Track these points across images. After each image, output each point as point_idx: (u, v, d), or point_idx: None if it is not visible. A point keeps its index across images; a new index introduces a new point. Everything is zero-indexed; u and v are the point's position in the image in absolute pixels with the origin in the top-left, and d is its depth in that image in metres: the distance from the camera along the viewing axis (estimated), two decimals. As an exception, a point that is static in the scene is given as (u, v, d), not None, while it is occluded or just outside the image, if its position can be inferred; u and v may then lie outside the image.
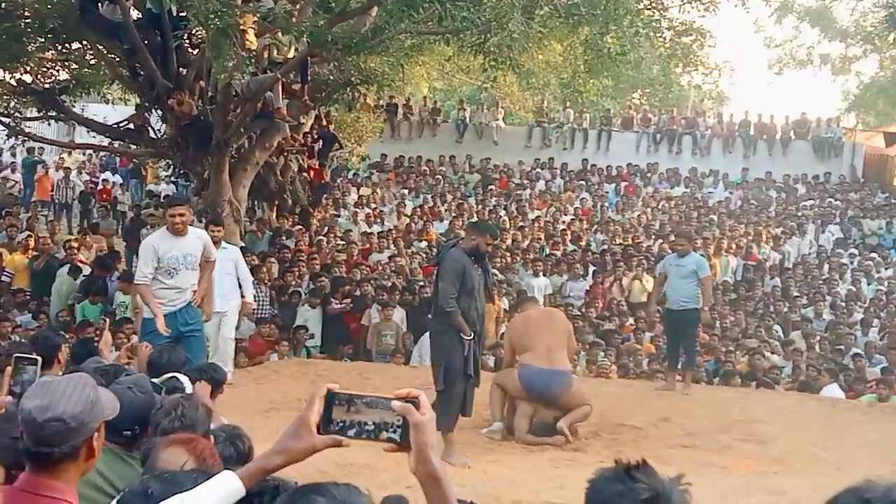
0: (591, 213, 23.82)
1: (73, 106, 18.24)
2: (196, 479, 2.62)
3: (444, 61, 22.13)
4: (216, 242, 10.52)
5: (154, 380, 5.91)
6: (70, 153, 25.26)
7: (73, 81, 17.63)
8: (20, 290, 15.23)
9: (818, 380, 13.60)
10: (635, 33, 13.51)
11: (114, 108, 20.34)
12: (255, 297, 14.91)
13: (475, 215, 22.34)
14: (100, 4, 14.71)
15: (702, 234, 21.07)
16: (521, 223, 21.96)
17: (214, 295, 10.28)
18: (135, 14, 15.11)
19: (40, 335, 7.15)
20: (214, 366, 6.35)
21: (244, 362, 13.01)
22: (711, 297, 13.50)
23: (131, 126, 17.68)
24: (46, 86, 17.34)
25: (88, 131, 19.12)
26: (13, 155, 24.33)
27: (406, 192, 24.60)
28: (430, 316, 9.33)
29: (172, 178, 22.44)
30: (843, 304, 17.89)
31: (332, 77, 17.82)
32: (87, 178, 24.44)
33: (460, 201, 23.91)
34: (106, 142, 20.18)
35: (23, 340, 9.90)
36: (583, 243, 20.55)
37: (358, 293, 15.51)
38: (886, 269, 20.93)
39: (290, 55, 15.00)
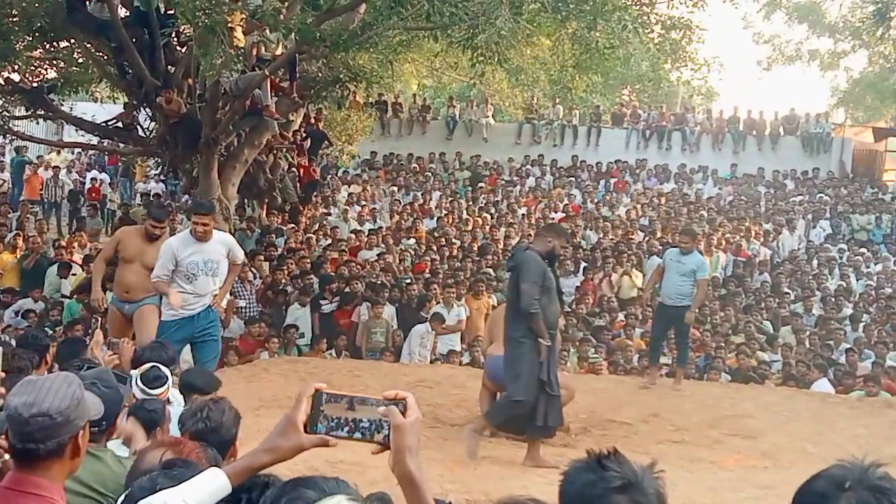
0: (581, 209, 23.83)
1: (62, 104, 18.20)
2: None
3: (433, 58, 22.11)
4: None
5: (133, 371, 5.91)
6: (59, 152, 25.18)
7: (62, 80, 17.59)
8: (9, 290, 15.18)
9: (807, 375, 13.65)
10: (623, 28, 13.49)
11: (102, 107, 20.30)
12: (244, 295, 14.96)
13: (465, 212, 22.37)
14: (87, 3, 14.71)
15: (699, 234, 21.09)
16: (511, 220, 21.96)
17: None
18: (122, 12, 15.09)
19: (29, 335, 7.14)
20: (152, 403, 5.25)
21: (234, 361, 12.99)
22: (703, 300, 13.47)
23: (120, 124, 17.67)
24: (35, 84, 17.31)
25: (77, 130, 19.09)
26: (2, 154, 24.25)
27: (396, 189, 24.58)
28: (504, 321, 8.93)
29: (161, 177, 22.41)
30: (833, 300, 17.93)
31: (320, 74, 17.78)
32: (76, 176, 24.36)
33: (450, 199, 23.90)
34: (95, 140, 20.14)
35: (10, 341, 9.87)
36: (574, 240, 20.56)
37: (347, 290, 15.50)
38: (876, 264, 20.98)
39: (279, 52, 14.99)
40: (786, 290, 18.31)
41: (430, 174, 26.50)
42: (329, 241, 18.78)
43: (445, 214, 21.96)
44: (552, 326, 8.74)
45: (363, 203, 22.38)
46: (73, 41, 16.77)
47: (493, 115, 29.99)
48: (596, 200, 24.97)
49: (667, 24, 17.42)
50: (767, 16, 42.18)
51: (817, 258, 21.05)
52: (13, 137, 18.70)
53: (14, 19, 15.01)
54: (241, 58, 14.01)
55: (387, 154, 27.95)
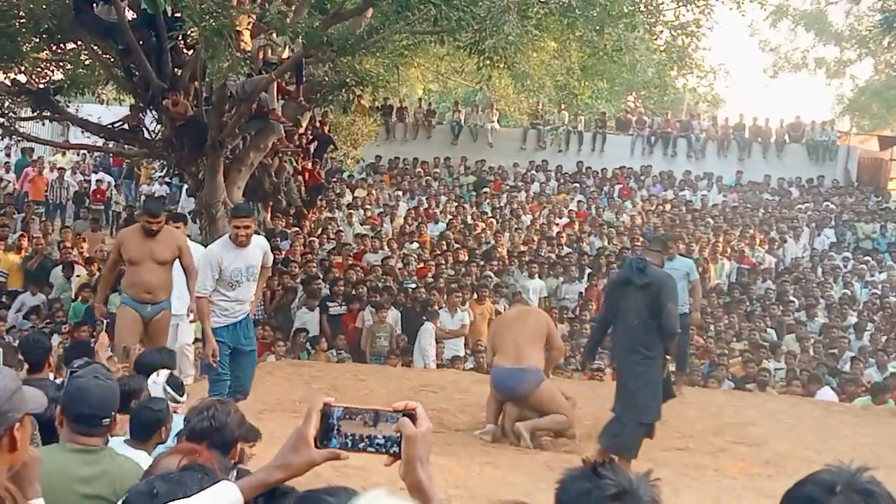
0: (586, 215, 23.82)
1: (68, 106, 18.20)
2: (201, 480, 2.62)
3: (439, 62, 22.16)
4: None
5: (157, 377, 5.95)
6: (64, 153, 25.21)
7: (68, 81, 17.61)
8: (11, 292, 15.20)
9: (810, 383, 13.64)
10: (631, 32, 13.51)
11: (108, 109, 20.32)
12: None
13: (469, 217, 22.38)
14: (94, 5, 14.69)
15: (696, 238, 21.10)
16: (517, 225, 21.97)
17: (173, 297, 9.93)
18: (129, 14, 15.09)
19: (31, 338, 7.12)
20: (158, 403, 5.18)
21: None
22: (701, 300, 13.38)
23: (126, 126, 17.67)
24: (41, 86, 17.32)
25: (83, 131, 19.10)
26: (7, 155, 24.28)
27: (400, 193, 24.58)
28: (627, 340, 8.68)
29: (166, 179, 22.42)
30: (837, 308, 17.91)
31: (327, 78, 17.80)
32: (81, 178, 24.39)
33: (455, 203, 23.90)
34: (100, 142, 20.16)
35: (12, 343, 9.86)
36: (581, 246, 20.58)
37: (354, 294, 15.51)
38: (880, 272, 20.95)
39: (286, 56, 14.99)
40: (790, 298, 18.28)
41: (434, 179, 26.49)
42: (333, 244, 18.80)
43: (450, 219, 21.97)
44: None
45: (367, 207, 22.38)
46: (79, 43, 16.80)
47: (498, 121, 29.96)
48: (600, 206, 24.96)
49: (673, 28, 17.43)
50: (774, 24, 42.27)
51: (822, 266, 21.03)
52: (19, 139, 18.67)
53: (21, 21, 15.05)
54: (247, 61, 14.03)
55: (392, 158, 27.94)
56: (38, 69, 17.35)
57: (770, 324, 16.98)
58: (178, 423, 5.00)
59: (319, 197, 21.13)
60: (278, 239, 18.14)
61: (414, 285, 16.50)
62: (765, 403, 12.20)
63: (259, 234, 17.84)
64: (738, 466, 9.30)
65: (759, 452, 9.65)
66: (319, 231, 19.72)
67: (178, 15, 13.73)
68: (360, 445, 2.26)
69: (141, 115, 17.26)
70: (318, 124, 20.25)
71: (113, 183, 24.27)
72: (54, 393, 4.63)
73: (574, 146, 29.42)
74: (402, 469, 2.21)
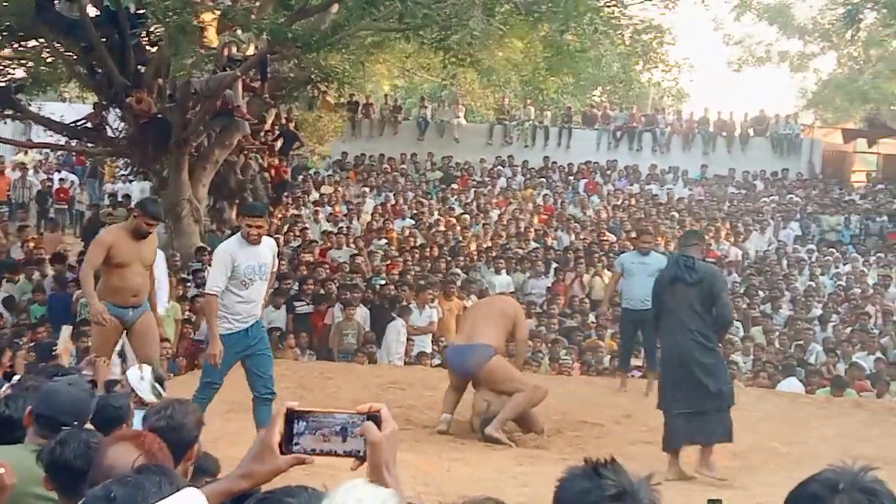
0: (552, 210, 23.87)
1: (30, 104, 18.06)
2: (160, 483, 2.57)
3: (405, 59, 22.12)
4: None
5: (137, 370, 5.93)
6: (26, 152, 24.98)
7: (30, 79, 17.47)
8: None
9: (776, 375, 13.73)
10: (595, 30, 13.54)
11: (71, 107, 20.18)
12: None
13: (436, 213, 22.38)
14: (56, 2, 14.58)
15: (661, 232, 21.19)
16: (484, 221, 21.98)
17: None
18: (92, 11, 14.98)
19: None
20: (119, 399, 5.18)
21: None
22: None
23: (89, 125, 17.54)
24: (2, 84, 17.16)
25: (45, 130, 18.94)
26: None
27: (367, 190, 24.52)
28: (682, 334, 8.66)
29: (130, 178, 22.29)
30: (802, 300, 18.05)
31: (292, 75, 17.76)
32: (44, 177, 24.17)
33: (422, 199, 23.88)
34: (63, 141, 20.00)
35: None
36: (547, 241, 20.63)
37: (322, 292, 15.46)
38: (845, 264, 21.13)
39: (250, 53, 14.93)
40: (756, 290, 18.37)
41: (401, 175, 26.46)
42: (299, 241, 18.73)
43: (413, 213, 21.96)
44: None
45: (333, 203, 22.32)
46: (41, 40, 16.65)
47: (464, 116, 29.97)
48: (567, 201, 25.02)
49: (638, 26, 17.49)
50: (738, 17, 42.49)
51: (787, 259, 21.18)
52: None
53: (-19, 18, 14.91)
54: (211, 58, 13.97)
55: (358, 155, 27.87)
56: (0, 67, 17.17)
57: (736, 316, 17.06)
58: (138, 419, 4.97)
59: (285, 194, 21.07)
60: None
61: (383, 282, 16.47)
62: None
63: (224, 231, 17.86)
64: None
65: (725, 445, 9.68)
66: (286, 229, 19.65)
67: (142, 12, 13.67)
68: (326, 449, 2.24)
69: (104, 113, 17.14)
70: (283, 121, 20.18)
71: (76, 182, 24.07)
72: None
73: (540, 141, 29.46)
74: (369, 473, 2.20)
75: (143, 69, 15.61)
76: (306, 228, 19.76)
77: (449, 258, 18.34)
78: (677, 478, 8.15)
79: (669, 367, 8.78)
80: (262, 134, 18.58)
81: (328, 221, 20.85)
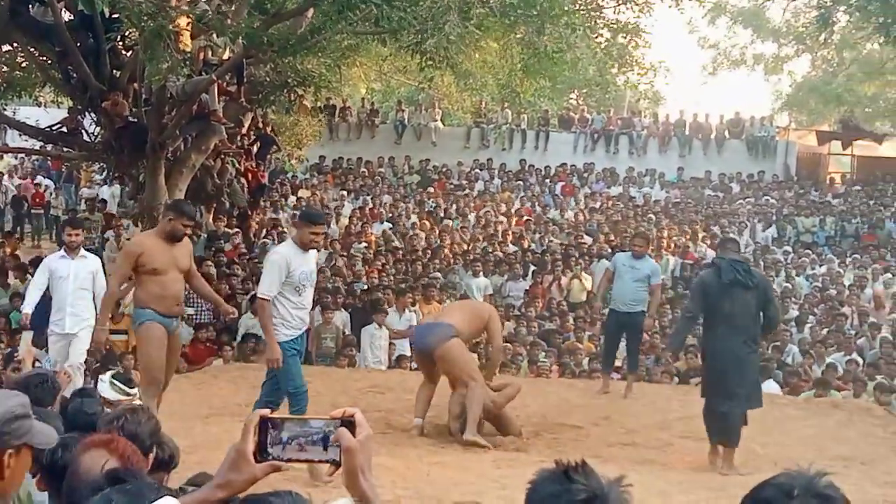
0: (530, 213, 23.92)
1: (5, 109, 17.96)
2: (158, 490, 2.57)
3: (382, 62, 22.14)
4: (74, 249, 9.85)
5: (103, 376, 5.89)
6: (1, 157, 24.83)
7: (4, 84, 17.37)
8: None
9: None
10: (571, 32, 13.56)
11: (46, 111, 20.09)
12: (193, 303, 14.78)
13: (412, 216, 22.38)
14: (30, 6, 14.49)
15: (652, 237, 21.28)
16: (462, 224, 21.99)
17: (66, 314, 9.59)
18: (66, 16, 14.90)
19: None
20: (91, 406, 5.15)
21: (184, 368, 12.86)
22: (660, 305, 13.47)
23: (64, 129, 17.45)
24: (-24, 89, 17.05)
25: (20, 135, 18.82)
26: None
27: (345, 193, 24.49)
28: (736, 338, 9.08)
29: (107, 182, 22.20)
30: (779, 301, 18.11)
31: (268, 79, 17.72)
32: (20, 182, 24.04)
33: (399, 202, 23.87)
34: (38, 145, 19.89)
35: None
36: (524, 244, 20.65)
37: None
38: (821, 266, 21.25)
39: (226, 57, 14.88)
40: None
41: (379, 178, 26.45)
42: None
43: (393, 218, 21.96)
44: None
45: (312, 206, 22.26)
46: (16, 45, 16.57)
47: (441, 119, 29.99)
48: (544, 204, 25.07)
49: (613, 27, 17.53)
50: (712, 21, 42.66)
51: (763, 260, 21.28)
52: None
53: (-45, 23, 14.80)
54: (187, 62, 13.89)
55: (335, 158, 27.85)
56: (-26, 72, 17.09)
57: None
58: None
59: (263, 198, 21.01)
60: (221, 241, 17.98)
61: (365, 286, 16.44)
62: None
63: (200, 235, 17.82)
64: (684, 461, 9.37)
65: (705, 447, 9.72)
66: (264, 233, 19.59)
67: (116, 16, 13.59)
68: (300, 457, 2.23)
69: (80, 117, 17.07)
70: (260, 125, 20.13)
71: (52, 187, 23.94)
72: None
73: (517, 144, 29.53)
74: (345, 480, 2.19)
75: (118, 73, 15.53)
76: (284, 232, 19.70)
77: (426, 261, 18.34)
78: (736, 472, 8.70)
79: (724, 369, 9.06)
80: (239, 138, 18.53)
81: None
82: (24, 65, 17.28)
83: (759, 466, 8.84)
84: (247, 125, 18.78)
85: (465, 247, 20.10)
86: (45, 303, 10.07)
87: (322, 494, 3.28)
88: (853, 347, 15.53)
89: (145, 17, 12.01)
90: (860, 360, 15.01)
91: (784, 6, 40.01)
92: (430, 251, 19.28)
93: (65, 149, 18.48)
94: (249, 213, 19.75)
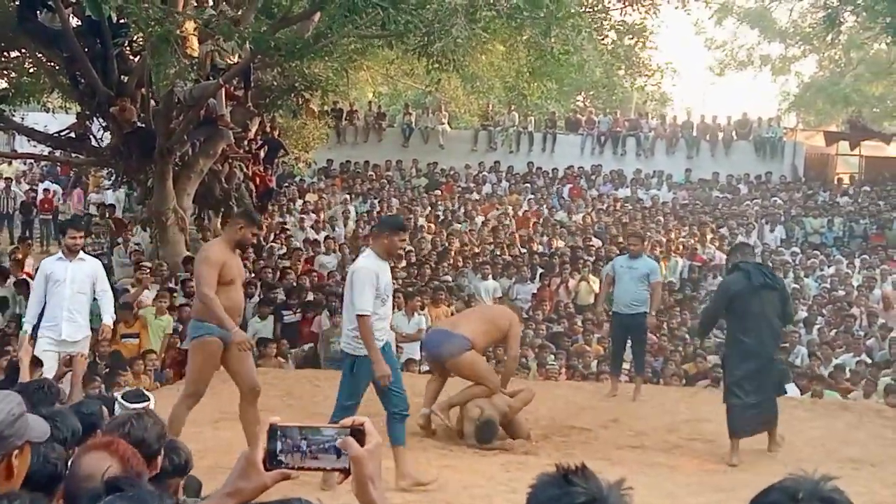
0: (537, 215, 23.91)
1: (13, 115, 17.99)
2: (161, 498, 2.58)
3: (388, 65, 22.14)
4: (73, 252, 9.39)
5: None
6: (10, 163, 24.90)
7: (13, 90, 17.41)
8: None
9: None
10: (578, 33, 13.56)
11: (54, 117, 20.10)
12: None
13: (421, 219, 22.38)
14: (38, 12, 14.53)
15: (647, 236, 21.25)
16: (470, 227, 21.99)
17: (62, 319, 9.24)
18: (74, 21, 14.94)
19: None
20: (90, 406, 5.02)
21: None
22: (660, 303, 13.50)
23: (73, 135, 17.50)
24: (-15, 95, 17.10)
25: (29, 140, 18.87)
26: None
27: (349, 196, 24.47)
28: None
29: (115, 187, 22.25)
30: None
31: (275, 83, 17.73)
32: (28, 187, 24.10)
33: (407, 206, 23.88)
34: (47, 151, 19.96)
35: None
36: (531, 246, 20.65)
37: (309, 301, 15.41)
38: (829, 266, 21.21)
39: (234, 61, 14.92)
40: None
41: (386, 182, 26.46)
42: (284, 249, 18.69)
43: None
44: None
45: (319, 210, 22.30)
46: (24, 51, 16.61)
47: (448, 122, 29.98)
48: (552, 206, 25.07)
49: (620, 30, 17.52)
50: (719, 22, 42.64)
51: (771, 261, 21.23)
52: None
53: (-37, 30, 14.87)
54: (194, 67, 13.92)
55: (343, 162, 27.88)
56: (-18, 78, 17.15)
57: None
58: None
59: (270, 202, 21.04)
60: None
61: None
62: (718, 400, 12.28)
63: (207, 239, 17.81)
64: (692, 463, 9.37)
65: (713, 449, 9.73)
66: (272, 237, 19.62)
67: (124, 21, 13.62)
68: (310, 465, 2.23)
69: (88, 122, 17.10)
70: (267, 129, 20.15)
71: (60, 192, 24.00)
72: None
73: (524, 147, 29.51)
74: (354, 488, 2.20)
75: (125, 79, 15.58)
76: (291, 236, 19.74)
77: (435, 264, 18.34)
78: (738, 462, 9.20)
79: (758, 366, 9.48)
80: (247, 142, 18.56)
81: (312, 229, 20.82)
82: (32, 70, 17.32)
83: (767, 468, 8.83)
84: (254, 129, 18.81)
85: (474, 249, 20.09)
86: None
87: (331, 501, 3.29)
88: (862, 348, 15.50)
89: (152, 23, 12.04)
90: (868, 361, 14.99)
91: (791, 7, 40.02)
92: (438, 253, 19.28)
93: (73, 154, 18.55)
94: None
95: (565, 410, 11.15)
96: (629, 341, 12.40)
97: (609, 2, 19.64)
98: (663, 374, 14.32)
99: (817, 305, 18.24)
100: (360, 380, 7.82)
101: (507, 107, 28.69)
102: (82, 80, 15.47)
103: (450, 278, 17.53)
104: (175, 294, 14.81)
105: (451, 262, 18.70)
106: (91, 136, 17.39)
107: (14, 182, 23.61)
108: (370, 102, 31.28)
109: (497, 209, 24.08)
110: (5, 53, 16.76)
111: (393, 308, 14.95)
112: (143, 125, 15.55)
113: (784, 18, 41.62)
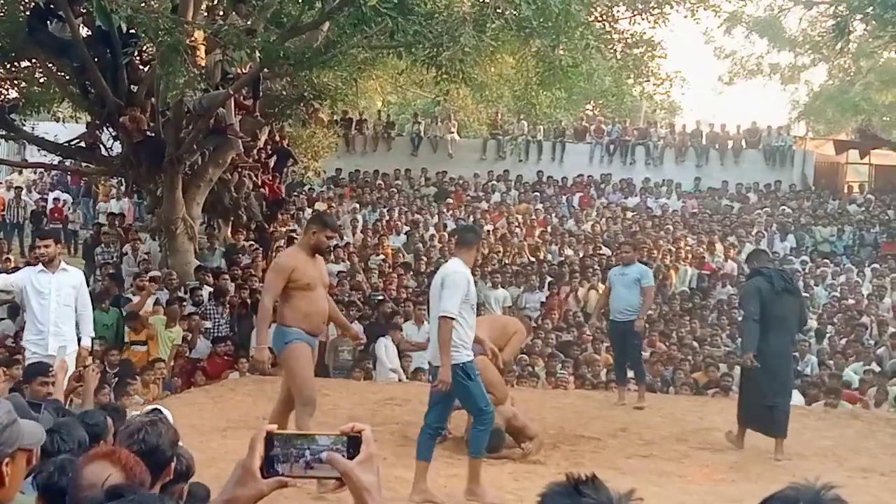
0: (547, 224, 23.90)
1: (24, 124, 18.05)
2: (163, 502, 2.57)
3: (397, 75, 22.16)
4: (51, 261, 9.12)
5: None
6: (21, 172, 24.98)
7: (23, 100, 17.48)
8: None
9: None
10: (586, 45, 13.56)
11: (64, 127, 20.19)
12: (212, 316, 14.79)
13: (431, 228, 22.39)
14: (48, 22, 14.59)
15: (657, 245, 21.23)
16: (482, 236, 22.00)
17: (48, 333, 8.95)
18: (84, 31, 15.00)
19: None
20: (94, 416, 5.04)
21: (202, 381, 12.92)
22: (650, 307, 13.50)
23: (83, 144, 17.57)
24: (-4, 105, 17.16)
25: (39, 150, 18.93)
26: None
27: (357, 205, 24.49)
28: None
29: (125, 196, 22.32)
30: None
31: (285, 92, 17.78)
32: (38, 196, 24.18)
33: (416, 215, 23.89)
34: (57, 160, 20.01)
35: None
36: (540, 255, 20.64)
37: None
38: (839, 275, 21.16)
39: (243, 71, 14.95)
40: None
41: (395, 190, 26.49)
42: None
43: (411, 230, 21.97)
44: None
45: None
46: (34, 61, 16.68)
47: (457, 131, 30.00)
48: (561, 215, 25.07)
49: (629, 40, 17.51)
50: (728, 31, 42.46)
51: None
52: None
53: (-26, 40, 14.92)
54: (204, 76, 13.97)
55: (352, 171, 27.91)
56: (-7, 88, 17.21)
57: (731, 329, 17.07)
58: None
59: (280, 211, 21.07)
60: (239, 255, 18.03)
61: (381, 297, 16.46)
62: (728, 409, 12.25)
63: (216, 249, 17.85)
64: (702, 472, 9.34)
65: (723, 458, 9.70)
66: (284, 245, 19.62)
67: (133, 31, 13.65)
68: (308, 473, 2.23)
69: (97, 132, 17.16)
70: (276, 138, 20.19)
71: (70, 201, 24.07)
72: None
73: (534, 155, 29.51)
74: (353, 500, 2.19)
75: (135, 88, 15.64)
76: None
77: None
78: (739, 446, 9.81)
79: (777, 368, 9.73)
80: (256, 152, 18.61)
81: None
82: (42, 80, 17.40)
83: (777, 477, 8.80)
84: (263, 139, 18.85)
85: (483, 258, 20.09)
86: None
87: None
88: (872, 357, 15.46)
89: (162, 32, 12.08)
90: (877, 370, 14.96)
91: (800, 16, 39.93)
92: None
93: (83, 163, 18.60)
94: (267, 226, 19.79)
95: (574, 419, 11.12)
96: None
97: (617, 11, 19.63)
98: (674, 383, 14.31)
99: (827, 314, 18.19)
100: (478, 379, 7.73)
101: (516, 116, 28.71)
102: (92, 90, 15.53)
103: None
104: (184, 303, 14.84)
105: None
106: (101, 146, 17.45)
107: (24, 191, 23.68)
108: (379, 111, 31.32)
109: (506, 218, 24.08)
110: (16, 63, 16.82)
111: (399, 320, 15.09)
112: (153, 135, 15.60)
113: (793, 27, 41.55)
